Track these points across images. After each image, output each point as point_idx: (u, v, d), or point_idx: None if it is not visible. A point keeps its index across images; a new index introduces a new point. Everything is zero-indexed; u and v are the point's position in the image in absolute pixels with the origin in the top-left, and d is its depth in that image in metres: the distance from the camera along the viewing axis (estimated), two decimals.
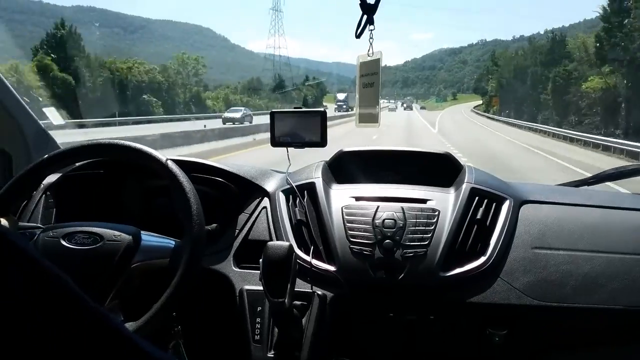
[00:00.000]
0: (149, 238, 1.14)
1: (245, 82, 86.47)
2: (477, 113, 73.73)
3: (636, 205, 1.44)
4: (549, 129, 29.84)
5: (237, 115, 32.09)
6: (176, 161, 1.16)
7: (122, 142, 1.17)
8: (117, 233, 1.08)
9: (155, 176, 1.14)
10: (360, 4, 1.13)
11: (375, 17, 1.23)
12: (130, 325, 1.00)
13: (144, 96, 40.94)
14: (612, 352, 1.30)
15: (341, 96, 70.75)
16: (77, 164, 1.48)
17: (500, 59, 75.01)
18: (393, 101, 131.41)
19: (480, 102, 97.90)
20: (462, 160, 1.60)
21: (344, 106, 60.01)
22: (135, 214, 1.48)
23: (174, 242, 1.17)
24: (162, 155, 1.14)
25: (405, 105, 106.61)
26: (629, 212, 1.41)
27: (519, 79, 53.58)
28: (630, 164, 2.02)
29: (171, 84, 49.05)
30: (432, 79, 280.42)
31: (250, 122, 29.69)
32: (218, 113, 41.64)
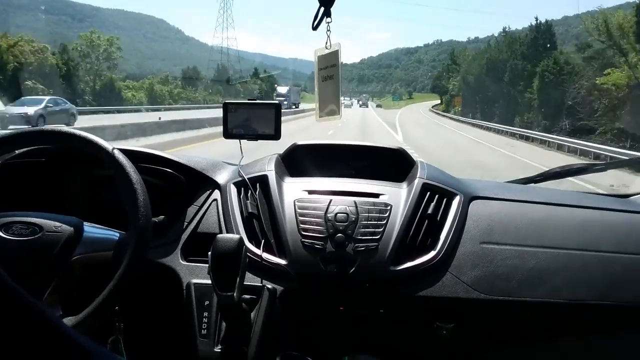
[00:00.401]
0: (92, 230, 1.11)
1: (181, 71, 77.70)
2: (436, 113, 71.26)
3: (579, 202, 1.50)
4: (536, 134, 25.31)
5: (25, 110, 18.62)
6: (123, 151, 1.13)
7: (67, 129, 1.14)
8: (57, 224, 1.05)
9: (100, 165, 1.11)
10: None
11: (333, 15, 1.23)
12: (69, 320, 0.99)
13: (28, 82, 31.80)
14: (555, 345, 1.35)
15: (282, 90, 59.25)
16: (17, 152, 1.42)
17: (459, 57, 73.12)
18: (348, 98, 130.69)
19: (439, 101, 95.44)
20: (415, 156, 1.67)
21: (285, 102, 48.90)
22: (78, 204, 1.43)
23: (118, 234, 1.14)
24: (109, 144, 1.12)
25: (361, 102, 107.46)
26: (573, 209, 1.47)
27: (492, 76, 47.51)
28: (577, 162, 2.14)
29: (73, 68, 40.81)
30: (388, 78, 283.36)
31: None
32: (137, 106, 37.20)
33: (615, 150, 16.81)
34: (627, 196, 1.77)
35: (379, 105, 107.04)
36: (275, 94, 58.98)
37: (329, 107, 1.36)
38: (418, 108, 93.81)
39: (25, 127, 1.19)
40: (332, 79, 1.34)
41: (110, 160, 1.09)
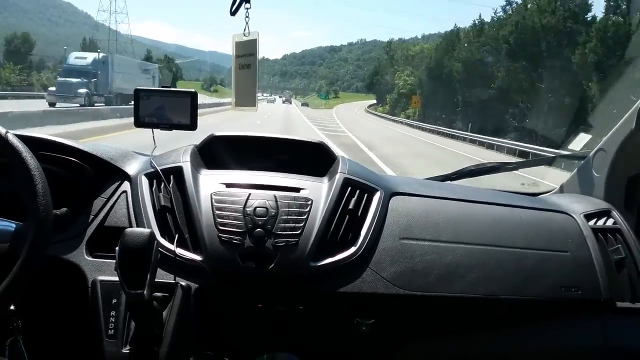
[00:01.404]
0: None
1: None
2: (378, 115, 64.18)
3: (493, 199, 1.58)
4: None
5: None
6: (20, 137, 1.06)
7: None
8: None
9: None
10: None
11: (255, 9, 1.22)
12: None
13: None
14: (471, 339, 1.41)
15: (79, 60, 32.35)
16: None
17: (397, 51, 73.47)
18: (267, 94, 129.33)
19: (374, 101, 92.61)
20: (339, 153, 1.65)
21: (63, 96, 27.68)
22: None
23: (14, 225, 1.07)
24: (2, 128, 1.04)
25: (284, 98, 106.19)
26: (487, 206, 1.54)
27: (475, 69, 38.30)
28: (490, 162, 2.29)
29: None
30: (312, 75, 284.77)
31: None
32: None
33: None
34: (536, 194, 1.90)
35: (305, 104, 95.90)
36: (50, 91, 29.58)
37: (246, 97, 1.34)
38: (351, 108, 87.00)
39: None
40: (249, 68, 1.32)
41: (3, 144, 1.02)
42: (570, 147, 2.05)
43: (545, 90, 29.25)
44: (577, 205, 1.63)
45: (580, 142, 1.96)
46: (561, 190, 1.92)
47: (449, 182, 1.91)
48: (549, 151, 16.61)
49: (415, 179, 1.84)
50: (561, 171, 2.17)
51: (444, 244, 1.37)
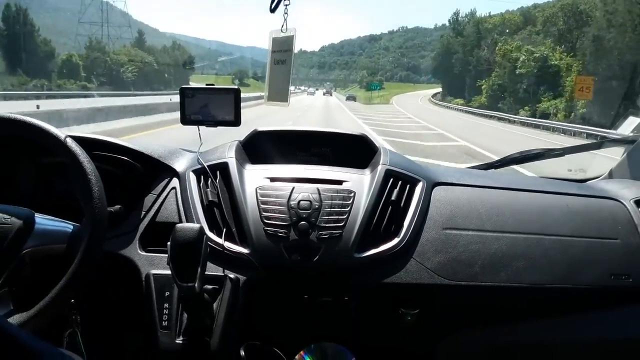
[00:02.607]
0: (44, 221, 1.10)
1: None
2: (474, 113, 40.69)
3: (538, 187, 1.58)
4: None
5: None
6: (76, 138, 1.13)
7: (16, 116, 1.13)
8: (7, 215, 1.03)
9: (51, 153, 1.11)
10: None
11: (293, 3, 1.25)
12: (20, 316, 0.98)
13: None
14: (517, 328, 1.43)
15: None
16: None
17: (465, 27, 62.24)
18: (306, 88, 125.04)
19: (435, 90, 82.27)
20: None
21: None
22: (29, 194, 1.43)
23: (72, 226, 1.14)
24: (61, 132, 1.12)
25: (324, 91, 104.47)
26: (532, 194, 1.55)
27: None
28: (535, 148, 2.24)
29: None
30: (352, 65, 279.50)
31: None
32: None
33: None
34: (584, 181, 1.88)
35: (351, 98, 72.63)
36: None
37: (278, 92, 1.37)
38: (417, 101, 67.28)
39: None
40: (284, 64, 1.36)
41: (63, 149, 1.09)
42: (619, 130, 2.01)
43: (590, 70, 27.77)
44: (627, 191, 1.62)
45: (629, 125, 1.91)
46: (610, 175, 1.90)
47: (492, 170, 1.91)
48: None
49: (458, 169, 1.86)
50: (610, 156, 2.12)
51: (488, 233, 1.39)
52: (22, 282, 1.05)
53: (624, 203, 1.54)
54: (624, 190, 1.63)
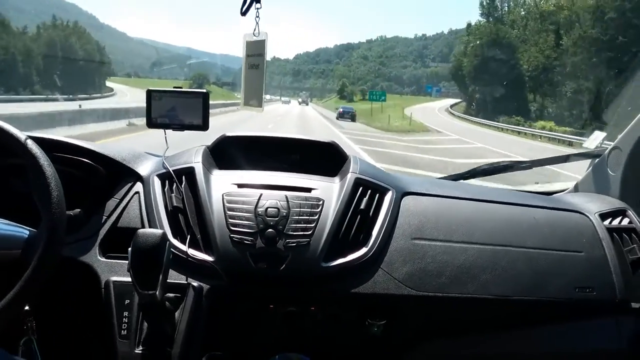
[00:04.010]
0: None
1: None
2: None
3: (506, 199, 1.64)
4: None
5: None
6: (38, 139, 1.13)
7: None
8: None
9: (10, 154, 1.11)
10: None
11: (265, 9, 1.27)
12: None
13: None
14: (483, 339, 1.46)
15: None
16: None
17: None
18: (277, 97, 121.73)
19: (453, 100, 74.47)
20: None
21: None
22: None
23: (28, 232, 1.14)
24: (22, 133, 1.11)
25: (300, 100, 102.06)
26: (500, 206, 1.60)
27: None
28: (504, 161, 2.30)
29: None
30: (329, 74, 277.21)
31: None
32: None
33: None
34: (550, 193, 1.95)
35: (347, 115, 42.48)
36: None
37: (253, 97, 1.41)
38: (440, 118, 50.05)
39: None
40: (257, 68, 1.39)
41: (22, 150, 1.09)
42: (585, 145, 2.10)
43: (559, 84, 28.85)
44: (592, 205, 1.68)
45: (595, 140, 2.00)
46: (576, 189, 1.97)
47: (461, 181, 1.96)
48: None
49: (428, 179, 1.91)
50: (575, 170, 2.20)
51: (457, 244, 1.43)
52: None
53: (589, 216, 1.61)
54: (589, 204, 1.69)
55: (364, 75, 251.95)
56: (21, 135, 1.10)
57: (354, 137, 22.05)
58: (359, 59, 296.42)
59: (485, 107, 51.96)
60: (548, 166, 2.19)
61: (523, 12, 59.58)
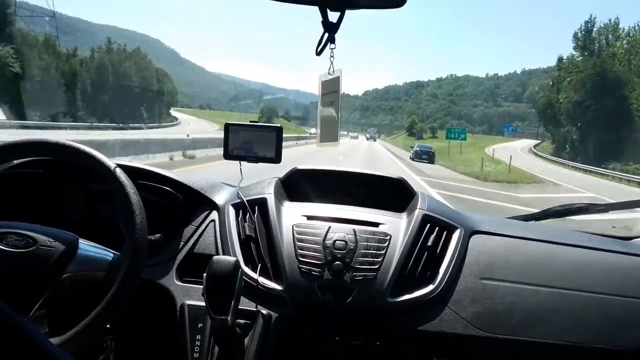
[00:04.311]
0: (86, 247, 1.17)
1: None
2: None
3: (580, 242, 1.59)
4: None
5: None
6: (125, 167, 1.23)
7: (70, 142, 1.23)
8: (52, 239, 1.10)
9: (99, 180, 1.19)
10: (322, 22, 1.22)
11: (338, 49, 1.32)
12: (54, 340, 1.03)
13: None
14: None
15: None
16: (15, 162, 1.53)
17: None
18: (345, 132, 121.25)
19: (535, 140, 72.87)
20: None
21: None
22: (74, 218, 1.52)
23: (112, 255, 1.21)
24: (111, 161, 1.20)
25: (368, 135, 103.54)
26: (574, 249, 1.55)
27: None
28: (578, 203, 2.20)
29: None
30: (397, 110, 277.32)
31: None
32: None
33: None
34: (628, 238, 1.85)
35: (423, 154, 35.96)
36: None
37: (330, 133, 1.46)
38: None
39: (25, 138, 1.26)
40: (332, 104, 1.43)
41: (111, 177, 1.18)
42: None
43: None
44: None
45: None
46: None
47: (533, 221, 1.92)
48: None
49: (498, 218, 1.87)
50: None
51: (527, 286, 1.40)
52: (59, 306, 1.12)
53: None
54: None
55: (433, 112, 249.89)
56: (111, 163, 1.19)
57: (446, 191, 15.67)
58: (428, 96, 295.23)
59: (584, 149, 46.92)
60: (627, 210, 2.09)
61: (626, 45, 55.86)
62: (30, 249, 1.08)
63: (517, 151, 55.33)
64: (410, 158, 36.60)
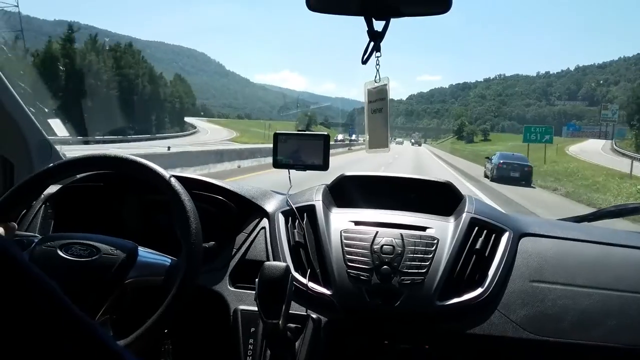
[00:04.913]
0: (145, 254, 1.25)
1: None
2: None
3: (634, 243, 1.57)
4: None
5: None
6: (179, 178, 1.29)
7: (127, 156, 1.31)
8: (113, 247, 1.18)
9: (155, 191, 1.26)
10: (368, 31, 1.25)
11: (383, 56, 1.34)
12: (118, 342, 1.08)
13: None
14: None
15: None
16: (78, 176, 1.64)
17: None
18: (391, 137, 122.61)
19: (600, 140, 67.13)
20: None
21: None
22: (133, 227, 1.62)
23: (170, 261, 1.28)
24: (166, 172, 1.28)
25: (413, 140, 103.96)
26: (627, 250, 1.53)
27: None
28: (632, 202, 2.12)
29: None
30: (443, 114, 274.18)
31: None
32: None
33: None
34: None
35: (513, 172, 21.70)
36: None
37: (379, 139, 1.49)
38: None
39: (90, 153, 1.37)
40: (380, 112, 1.46)
41: (167, 187, 1.25)
42: None
43: None
44: None
45: None
46: None
47: (585, 223, 1.91)
48: None
49: (547, 220, 1.87)
50: None
51: (579, 289, 1.39)
52: (122, 310, 1.19)
53: None
54: None
55: (482, 114, 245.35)
56: (166, 174, 1.27)
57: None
58: (476, 98, 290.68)
59: None
60: None
61: None
62: (93, 257, 1.15)
63: (600, 152, 49.81)
64: (489, 177, 23.40)
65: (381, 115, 1.46)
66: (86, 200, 1.66)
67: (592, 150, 55.22)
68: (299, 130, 1.67)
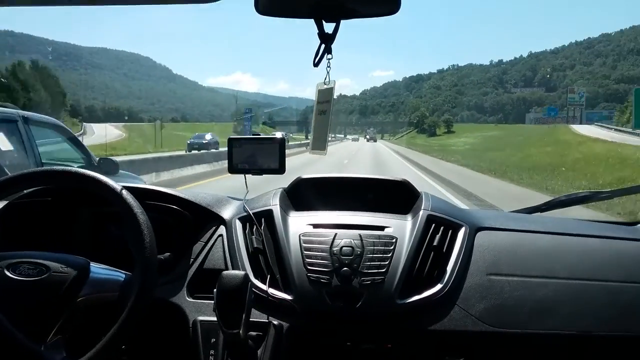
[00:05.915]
0: (98, 270, 1.24)
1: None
2: None
3: (585, 231, 1.65)
4: None
5: None
6: (131, 189, 1.29)
7: (75, 169, 1.30)
8: (63, 265, 1.17)
9: (107, 204, 1.25)
10: (318, 34, 1.27)
11: (334, 52, 1.34)
12: None
13: None
14: None
15: None
16: (24, 192, 1.61)
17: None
18: (342, 135, 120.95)
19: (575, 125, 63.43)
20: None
21: None
22: (84, 241, 1.61)
23: (124, 276, 1.28)
24: (117, 184, 1.27)
25: (368, 137, 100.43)
26: (579, 238, 1.61)
27: None
28: (581, 192, 2.22)
29: None
30: (399, 107, 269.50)
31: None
32: None
33: None
34: (634, 224, 1.90)
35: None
36: None
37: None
38: None
39: (31, 169, 1.34)
40: (324, 114, 1.50)
41: (118, 200, 1.24)
42: None
43: None
44: None
45: None
46: None
47: (537, 213, 1.98)
48: None
49: (502, 213, 1.94)
50: None
51: (535, 279, 1.45)
52: (75, 330, 1.18)
53: None
54: None
55: (439, 105, 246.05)
56: (117, 186, 1.26)
57: None
58: (431, 89, 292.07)
59: None
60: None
61: None
62: (42, 276, 1.14)
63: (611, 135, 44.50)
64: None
65: (324, 118, 1.49)
66: (34, 216, 1.64)
67: (600, 134, 48.77)
68: (254, 134, 1.68)
